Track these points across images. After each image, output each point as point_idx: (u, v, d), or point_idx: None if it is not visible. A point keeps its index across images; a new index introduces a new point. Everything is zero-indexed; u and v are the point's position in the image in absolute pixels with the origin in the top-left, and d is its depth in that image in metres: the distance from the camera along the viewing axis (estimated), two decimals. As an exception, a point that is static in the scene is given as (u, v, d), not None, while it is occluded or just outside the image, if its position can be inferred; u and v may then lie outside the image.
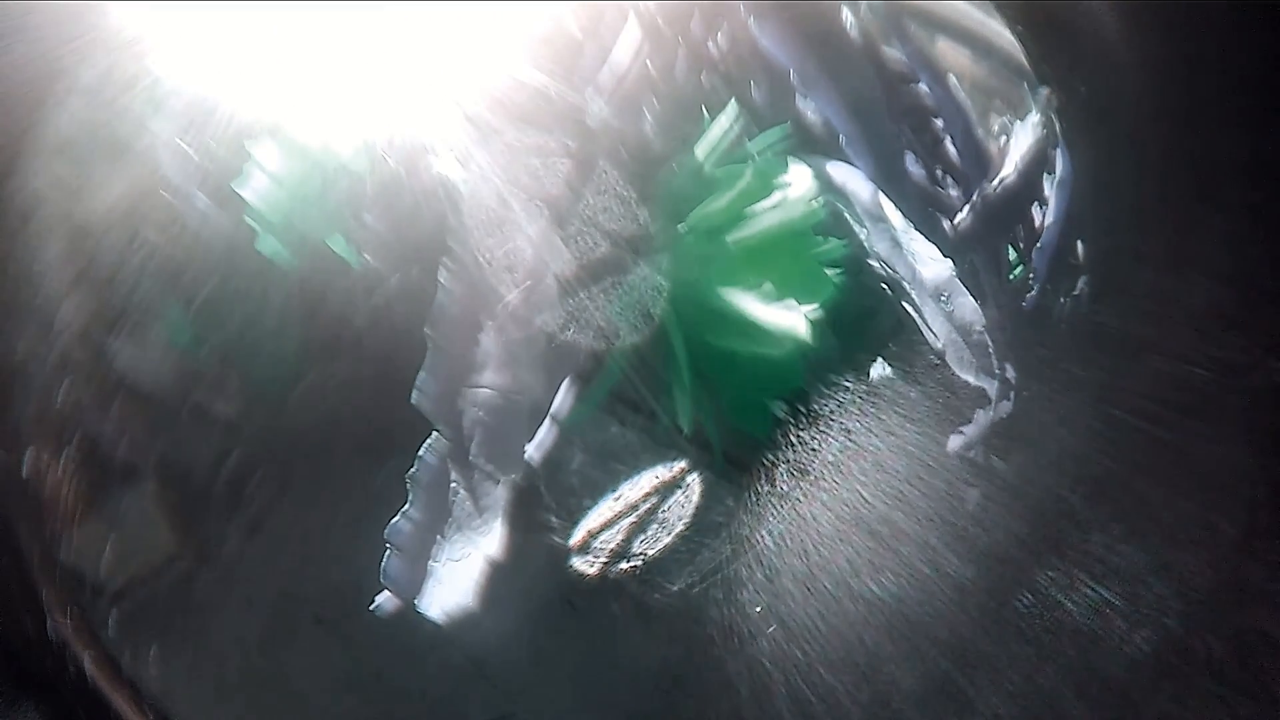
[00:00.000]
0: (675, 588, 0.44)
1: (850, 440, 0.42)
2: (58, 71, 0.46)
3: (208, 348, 0.48)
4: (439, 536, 0.45)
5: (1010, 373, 0.43)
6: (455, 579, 0.45)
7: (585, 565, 0.46)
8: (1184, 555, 0.41)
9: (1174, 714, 0.41)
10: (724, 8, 0.46)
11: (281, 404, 0.48)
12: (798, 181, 0.46)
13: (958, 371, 0.42)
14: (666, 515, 0.46)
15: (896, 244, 0.45)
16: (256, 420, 0.48)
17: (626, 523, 0.46)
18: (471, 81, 0.44)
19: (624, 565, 0.46)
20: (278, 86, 0.45)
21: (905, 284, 0.45)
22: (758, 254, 0.45)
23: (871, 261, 0.46)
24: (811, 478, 0.42)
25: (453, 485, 0.45)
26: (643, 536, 0.46)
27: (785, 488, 0.43)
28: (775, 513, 0.43)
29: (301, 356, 0.48)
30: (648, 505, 0.46)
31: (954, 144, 0.47)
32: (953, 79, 0.47)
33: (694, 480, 0.46)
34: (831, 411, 0.43)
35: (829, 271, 0.45)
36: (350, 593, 0.46)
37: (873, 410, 0.42)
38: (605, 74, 0.45)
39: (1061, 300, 0.44)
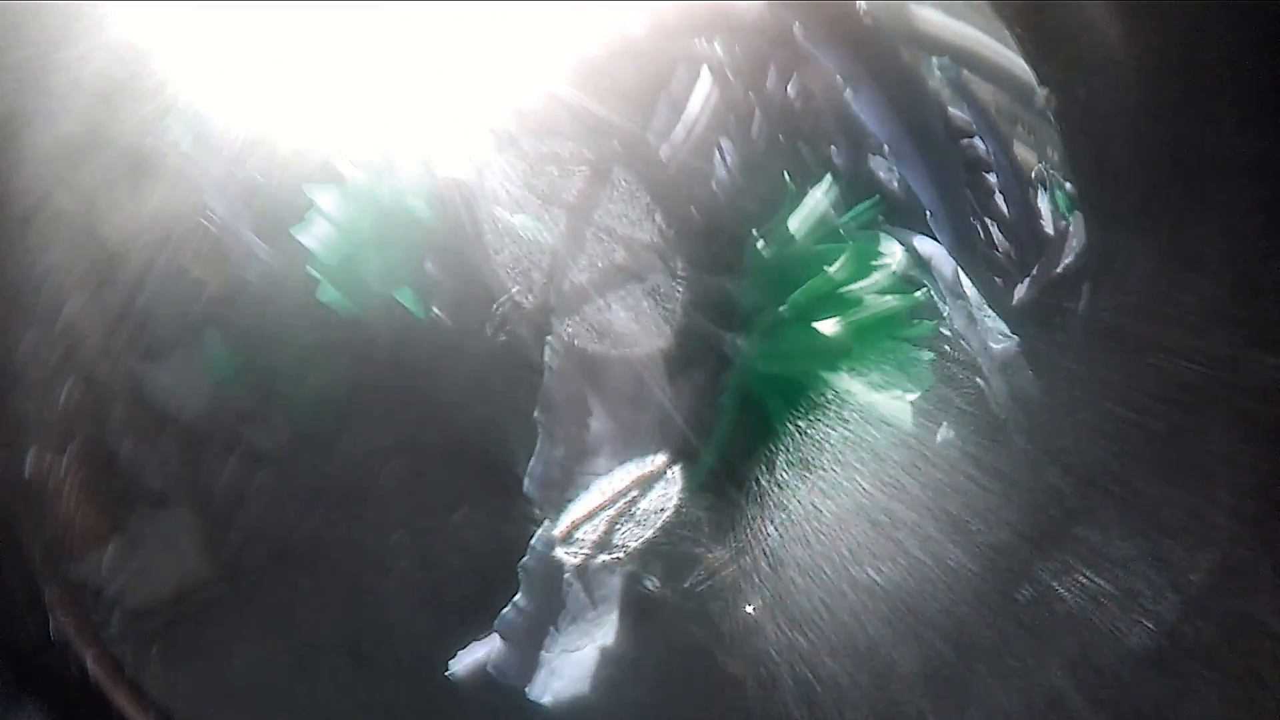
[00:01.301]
0: (685, 583, 0.45)
1: (849, 430, 0.43)
2: (59, 71, 0.46)
3: (249, 381, 0.48)
4: (551, 628, 0.45)
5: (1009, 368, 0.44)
6: (569, 669, 0.44)
7: (569, 556, 0.46)
8: (1178, 546, 0.42)
9: (1168, 699, 0.42)
10: (801, 63, 0.46)
11: (321, 439, 0.48)
12: (893, 260, 0.45)
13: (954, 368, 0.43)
14: (646, 509, 0.46)
15: (972, 320, 0.45)
16: (294, 454, 0.48)
17: (606, 516, 0.46)
18: (506, 99, 0.44)
19: (606, 557, 0.46)
20: (318, 109, 0.45)
21: (977, 358, 0.45)
22: (860, 338, 0.45)
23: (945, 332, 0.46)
24: (810, 467, 0.43)
25: (565, 575, 0.45)
26: (622, 529, 0.46)
27: (785, 477, 0.43)
28: (777, 502, 0.43)
29: (347, 395, 0.47)
30: (627, 499, 0.46)
31: (1005, 199, 0.48)
32: (1004, 129, 0.48)
33: (674, 475, 0.46)
34: (829, 402, 0.43)
35: (922, 355, 0.45)
36: (378, 626, 0.47)
37: (871, 405, 0.43)
38: (677, 128, 0.45)
39: (1058, 297, 0.45)
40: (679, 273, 0.44)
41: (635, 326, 0.44)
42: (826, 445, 0.43)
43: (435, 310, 0.46)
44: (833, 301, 0.45)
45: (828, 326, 0.45)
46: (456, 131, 0.44)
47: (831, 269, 0.44)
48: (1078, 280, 0.44)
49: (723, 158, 0.46)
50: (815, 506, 0.43)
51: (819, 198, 0.45)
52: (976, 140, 0.48)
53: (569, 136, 0.43)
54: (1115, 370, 0.42)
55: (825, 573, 0.43)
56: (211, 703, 0.48)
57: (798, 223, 0.45)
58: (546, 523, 0.44)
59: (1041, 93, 0.45)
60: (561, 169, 0.43)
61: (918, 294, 0.45)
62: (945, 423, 0.43)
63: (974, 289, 0.45)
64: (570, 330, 0.44)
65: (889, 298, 0.45)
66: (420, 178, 0.45)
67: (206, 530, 0.48)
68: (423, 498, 0.47)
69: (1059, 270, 0.46)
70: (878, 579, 0.43)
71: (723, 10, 0.45)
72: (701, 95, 0.45)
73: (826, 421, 0.43)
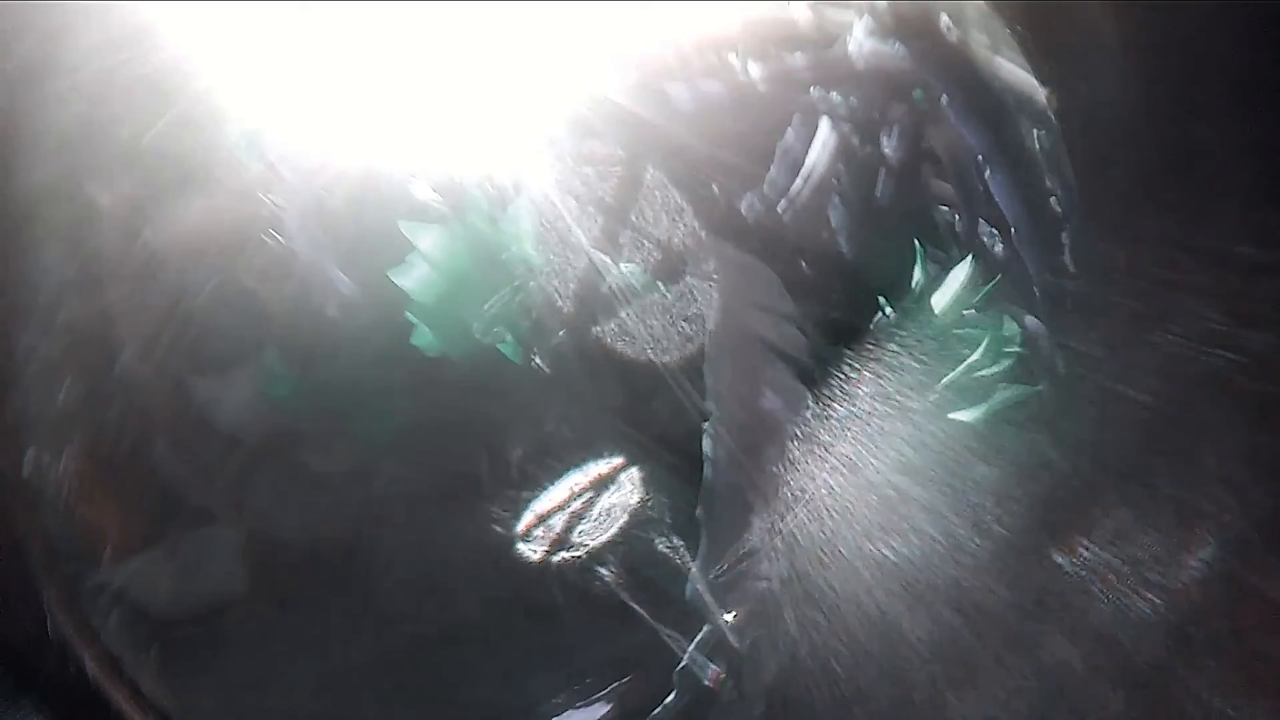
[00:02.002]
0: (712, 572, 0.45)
1: (855, 408, 0.44)
2: (61, 71, 0.46)
3: (310, 404, 0.46)
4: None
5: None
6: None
7: (530, 553, 0.47)
8: (1193, 528, 0.43)
9: (1183, 677, 0.43)
10: (930, 124, 0.46)
11: (378, 468, 0.47)
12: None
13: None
14: (604, 509, 0.47)
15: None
16: (349, 481, 0.47)
17: (565, 515, 0.47)
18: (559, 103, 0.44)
19: (565, 555, 0.47)
20: (404, 135, 0.44)
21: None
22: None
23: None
24: (820, 444, 0.45)
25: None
26: (581, 528, 0.47)
27: (795, 454, 0.45)
28: (791, 480, 0.44)
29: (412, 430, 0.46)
30: (585, 499, 0.47)
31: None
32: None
33: (630, 476, 0.47)
34: (834, 380, 0.45)
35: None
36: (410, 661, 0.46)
37: (872, 378, 0.45)
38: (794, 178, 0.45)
39: (1071, 281, 0.46)
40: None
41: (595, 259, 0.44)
42: (837, 424, 0.44)
43: (538, 361, 0.46)
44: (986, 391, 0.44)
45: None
46: (539, 154, 0.44)
47: (977, 355, 0.45)
48: (1081, 266, 0.46)
49: (843, 213, 0.46)
50: (829, 484, 0.44)
51: (961, 275, 0.45)
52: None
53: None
54: (1130, 354, 0.43)
55: (840, 550, 0.44)
56: (211, 703, 0.47)
57: (945, 301, 0.45)
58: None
59: (1044, 91, 0.46)
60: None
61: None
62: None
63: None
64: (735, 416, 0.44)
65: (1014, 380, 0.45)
66: (524, 219, 0.44)
67: (249, 549, 0.47)
68: (480, 538, 0.47)
69: (1063, 256, 0.47)
70: (890, 555, 0.44)
71: (842, 60, 0.45)
72: (820, 146, 0.45)
73: (837, 400, 0.45)
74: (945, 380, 0.45)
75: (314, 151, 0.44)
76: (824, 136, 0.45)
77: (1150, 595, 0.43)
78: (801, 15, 0.45)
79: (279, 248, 0.44)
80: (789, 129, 0.45)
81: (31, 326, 0.48)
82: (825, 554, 0.44)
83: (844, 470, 0.44)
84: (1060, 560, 0.44)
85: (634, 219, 0.45)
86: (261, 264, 0.44)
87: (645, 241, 0.45)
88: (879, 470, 0.44)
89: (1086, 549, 0.44)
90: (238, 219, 0.44)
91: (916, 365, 0.44)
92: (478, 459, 0.47)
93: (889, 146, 0.46)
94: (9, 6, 0.44)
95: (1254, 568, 0.43)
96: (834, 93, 0.45)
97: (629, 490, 0.47)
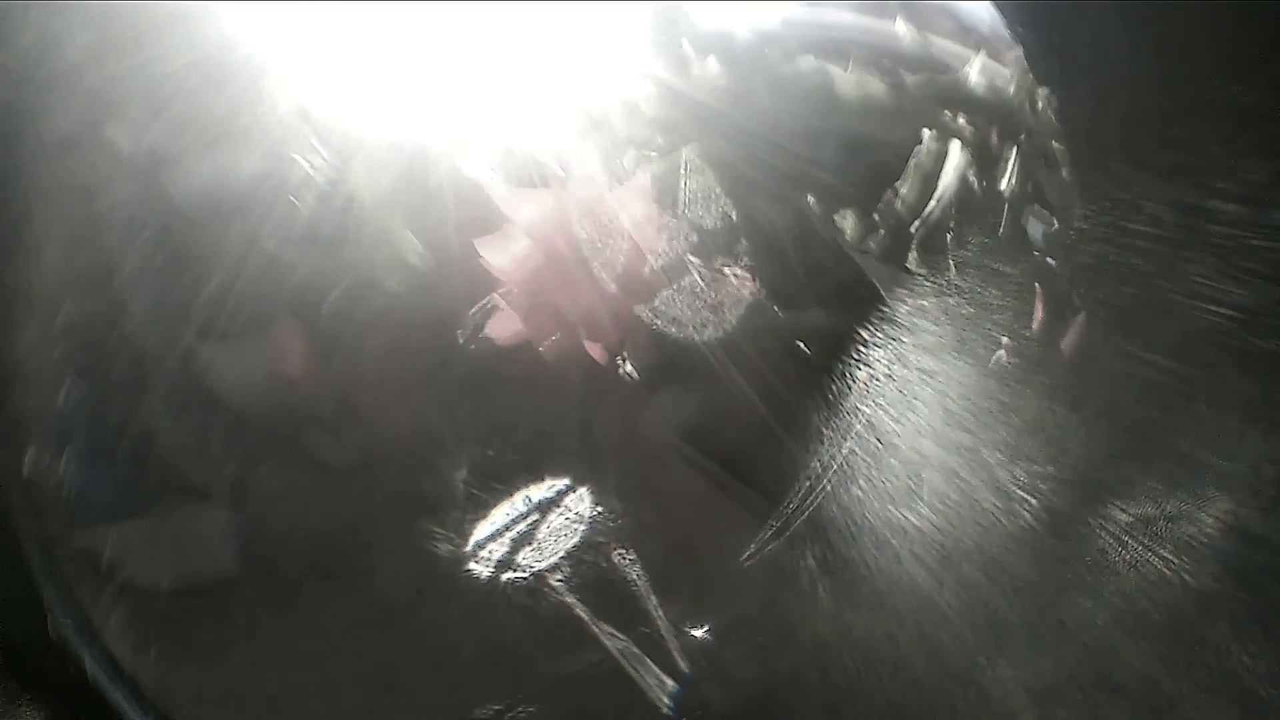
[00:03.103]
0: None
1: (872, 369, 0.45)
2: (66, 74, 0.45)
3: (326, 387, 0.44)
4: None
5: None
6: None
7: (481, 570, 0.46)
8: (1207, 484, 0.44)
9: (1201, 630, 0.44)
10: None
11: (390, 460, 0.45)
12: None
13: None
14: (546, 532, 0.47)
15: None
16: (356, 471, 0.45)
17: (509, 537, 0.47)
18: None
19: (511, 575, 0.46)
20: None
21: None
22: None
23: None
24: (844, 412, 0.45)
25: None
26: (526, 550, 0.47)
27: (818, 420, 0.45)
28: (819, 449, 0.45)
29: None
30: (528, 522, 0.47)
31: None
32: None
33: (573, 501, 0.47)
34: (857, 344, 0.46)
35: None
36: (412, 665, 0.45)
37: (891, 341, 0.46)
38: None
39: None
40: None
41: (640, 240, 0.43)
42: (854, 386, 0.45)
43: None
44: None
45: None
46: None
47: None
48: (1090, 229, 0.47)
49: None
50: (855, 451, 0.45)
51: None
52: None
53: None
54: (1130, 314, 0.44)
55: (867, 518, 0.44)
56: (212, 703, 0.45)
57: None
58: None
59: (1043, 91, 0.46)
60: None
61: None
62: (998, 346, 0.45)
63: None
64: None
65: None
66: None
67: (243, 531, 0.45)
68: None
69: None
70: (915, 521, 0.44)
71: (962, 87, 0.46)
72: (952, 168, 0.46)
73: (853, 363, 0.45)
74: (966, 342, 0.46)
75: (359, 125, 0.43)
76: (955, 158, 0.46)
77: (1167, 552, 0.44)
78: (911, 36, 0.46)
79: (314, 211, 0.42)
80: (921, 146, 0.45)
81: (31, 325, 0.47)
82: (853, 524, 0.45)
83: (867, 436, 0.45)
84: (1085, 522, 0.45)
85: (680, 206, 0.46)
86: (292, 228, 0.42)
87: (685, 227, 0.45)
88: (901, 435, 0.45)
89: (1109, 513, 0.45)
90: (269, 180, 0.42)
91: (932, 326, 0.45)
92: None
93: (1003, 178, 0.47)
94: (9, 6, 0.44)
95: (1265, 518, 0.44)
96: (960, 117, 0.46)
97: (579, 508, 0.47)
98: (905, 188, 0.46)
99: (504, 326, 0.44)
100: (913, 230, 0.46)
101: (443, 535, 0.46)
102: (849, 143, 0.46)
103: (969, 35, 0.46)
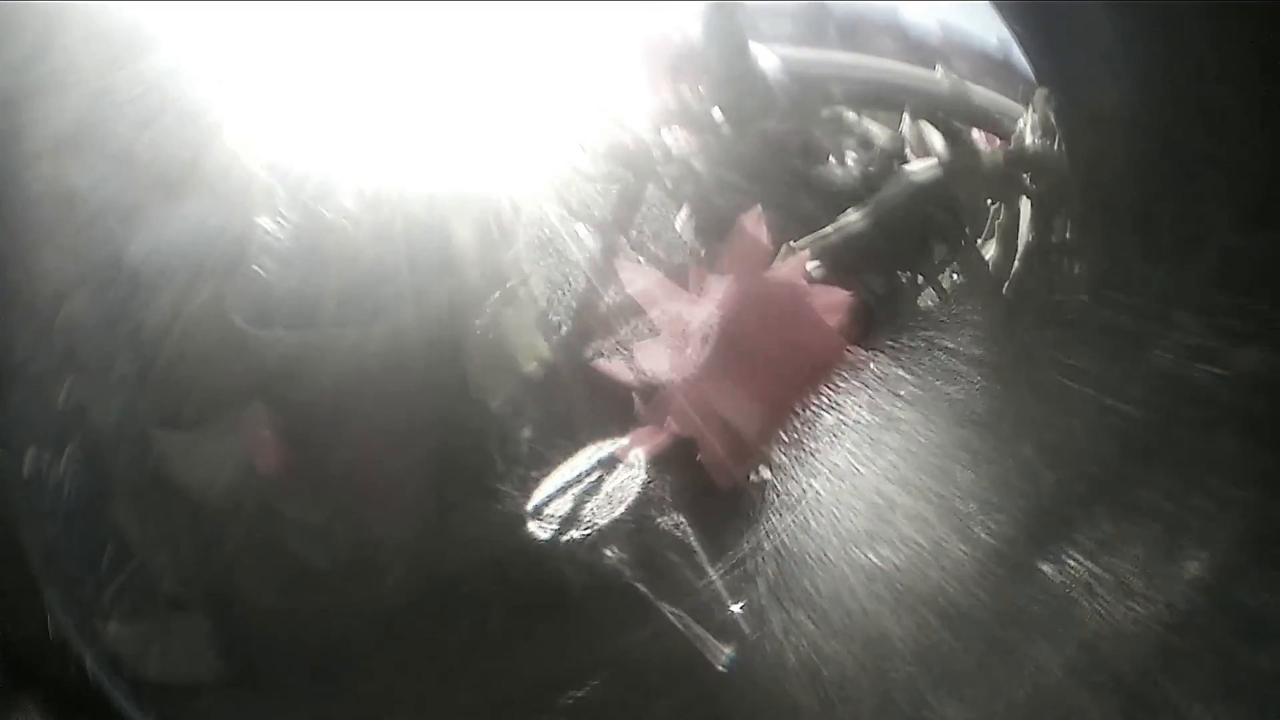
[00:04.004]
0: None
1: (841, 415, 0.45)
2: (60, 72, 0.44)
3: (307, 481, 0.40)
4: None
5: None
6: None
7: (539, 531, 0.45)
8: (1177, 540, 0.43)
9: (1163, 686, 0.43)
10: None
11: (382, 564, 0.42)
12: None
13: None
14: (614, 489, 0.46)
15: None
16: (350, 577, 0.41)
17: (573, 493, 0.45)
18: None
19: (573, 534, 0.45)
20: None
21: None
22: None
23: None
24: (806, 452, 0.45)
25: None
26: (590, 507, 0.45)
27: (781, 460, 0.45)
28: (777, 487, 0.45)
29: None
30: (594, 478, 0.46)
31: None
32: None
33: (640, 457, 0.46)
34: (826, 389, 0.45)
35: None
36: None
37: (861, 388, 0.45)
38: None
39: (1062, 294, 0.47)
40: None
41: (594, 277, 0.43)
42: (822, 430, 0.45)
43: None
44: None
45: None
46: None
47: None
48: (1073, 276, 0.46)
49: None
50: (815, 489, 0.45)
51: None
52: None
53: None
54: (1119, 369, 0.43)
55: (827, 556, 0.44)
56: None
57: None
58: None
59: (1043, 92, 0.45)
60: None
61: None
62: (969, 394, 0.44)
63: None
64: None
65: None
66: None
67: (230, 637, 0.43)
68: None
69: (1054, 266, 0.48)
70: (876, 561, 0.44)
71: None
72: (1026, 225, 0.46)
73: (821, 406, 0.45)
74: (936, 391, 0.45)
75: (305, 164, 0.40)
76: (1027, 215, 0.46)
77: (1133, 605, 0.44)
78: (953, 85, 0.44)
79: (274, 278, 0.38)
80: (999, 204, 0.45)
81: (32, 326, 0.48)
82: (812, 560, 0.45)
83: (832, 478, 0.45)
84: (1046, 570, 0.44)
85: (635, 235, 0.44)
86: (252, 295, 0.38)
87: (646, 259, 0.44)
88: (868, 479, 0.44)
89: (1072, 559, 0.44)
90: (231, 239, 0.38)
91: (908, 376, 0.44)
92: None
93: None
94: (9, 6, 0.43)
95: (1236, 580, 0.43)
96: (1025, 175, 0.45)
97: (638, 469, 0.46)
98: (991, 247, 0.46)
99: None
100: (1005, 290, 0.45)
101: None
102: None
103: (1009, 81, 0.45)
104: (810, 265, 0.45)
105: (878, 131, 0.45)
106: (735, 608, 0.45)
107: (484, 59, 0.42)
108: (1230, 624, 0.43)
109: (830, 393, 0.44)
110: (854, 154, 0.45)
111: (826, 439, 0.44)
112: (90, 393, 0.42)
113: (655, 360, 0.44)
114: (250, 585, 0.42)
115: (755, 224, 0.44)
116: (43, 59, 0.42)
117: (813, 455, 0.44)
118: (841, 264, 0.45)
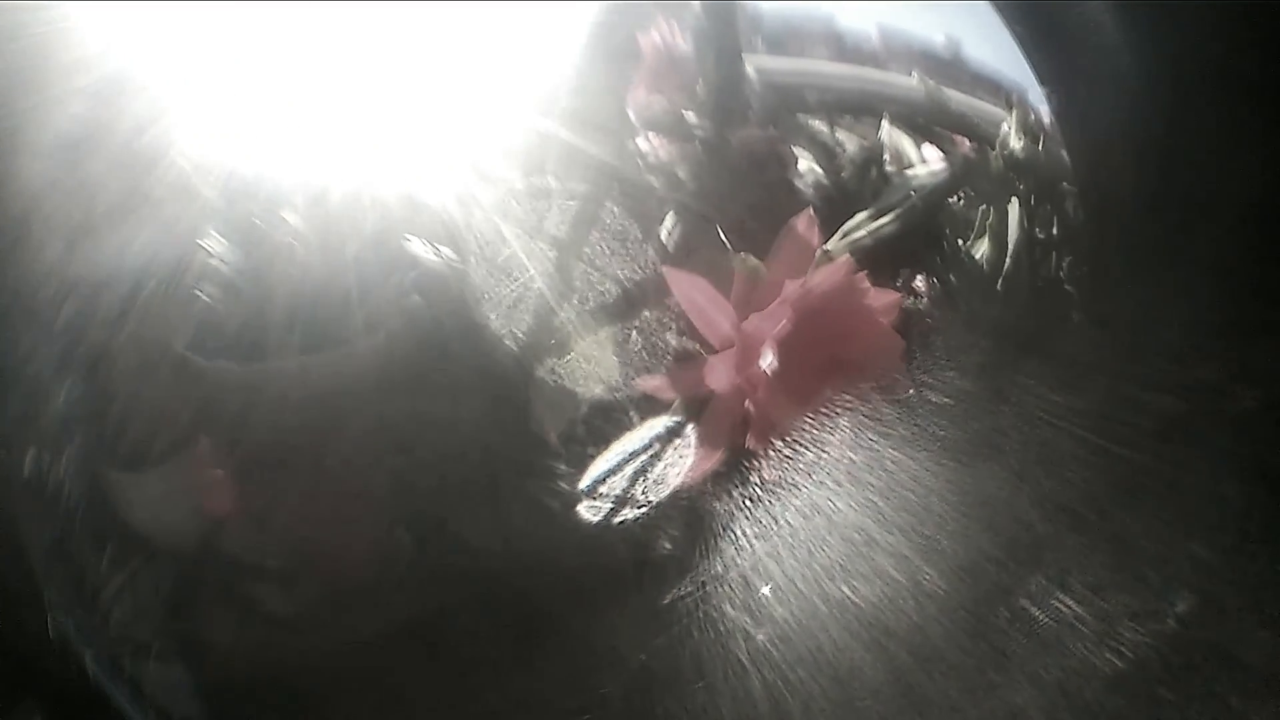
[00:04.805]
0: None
1: (824, 452, 0.43)
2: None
3: (272, 525, 0.37)
4: None
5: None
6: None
7: (592, 511, 0.45)
8: (1159, 577, 0.42)
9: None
10: None
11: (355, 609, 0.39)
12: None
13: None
14: (667, 465, 0.45)
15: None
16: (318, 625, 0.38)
17: (629, 470, 0.44)
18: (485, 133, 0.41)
19: (628, 512, 0.45)
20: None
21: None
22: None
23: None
24: (786, 486, 0.44)
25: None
26: (645, 484, 0.45)
27: (760, 494, 0.44)
28: (751, 518, 0.44)
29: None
30: (649, 454, 0.45)
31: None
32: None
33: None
34: (805, 425, 0.44)
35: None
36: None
37: (845, 425, 0.43)
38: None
39: (1041, 327, 0.45)
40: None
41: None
42: (802, 466, 0.43)
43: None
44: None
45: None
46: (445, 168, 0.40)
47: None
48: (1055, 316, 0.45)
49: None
50: (790, 524, 0.43)
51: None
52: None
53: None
54: (1097, 402, 0.41)
55: (798, 587, 0.44)
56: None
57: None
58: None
59: (1042, 93, 0.45)
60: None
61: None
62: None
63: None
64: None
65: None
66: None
67: (208, 684, 0.42)
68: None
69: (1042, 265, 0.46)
70: (850, 595, 0.43)
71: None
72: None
73: (803, 443, 0.43)
74: (922, 430, 0.43)
75: (253, 181, 0.38)
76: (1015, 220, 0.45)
77: (1116, 647, 0.42)
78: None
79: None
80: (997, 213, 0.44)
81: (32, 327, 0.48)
82: (782, 590, 0.44)
83: (808, 513, 0.43)
84: (1026, 607, 0.43)
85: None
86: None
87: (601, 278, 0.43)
88: (846, 516, 0.43)
89: (1054, 598, 0.43)
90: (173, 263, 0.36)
91: (894, 415, 0.42)
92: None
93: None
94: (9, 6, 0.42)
95: (1224, 627, 0.41)
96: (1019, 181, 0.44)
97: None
98: (980, 248, 0.45)
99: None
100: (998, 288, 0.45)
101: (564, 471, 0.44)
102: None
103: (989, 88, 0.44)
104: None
105: (854, 138, 0.43)
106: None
107: (440, 69, 0.41)
108: (1223, 676, 0.41)
109: (816, 430, 0.42)
110: (829, 161, 0.44)
111: (804, 475, 0.43)
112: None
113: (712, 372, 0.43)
114: (210, 631, 0.41)
115: (807, 226, 0.44)
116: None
117: (790, 490, 0.43)
118: (876, 266, 0.44)
